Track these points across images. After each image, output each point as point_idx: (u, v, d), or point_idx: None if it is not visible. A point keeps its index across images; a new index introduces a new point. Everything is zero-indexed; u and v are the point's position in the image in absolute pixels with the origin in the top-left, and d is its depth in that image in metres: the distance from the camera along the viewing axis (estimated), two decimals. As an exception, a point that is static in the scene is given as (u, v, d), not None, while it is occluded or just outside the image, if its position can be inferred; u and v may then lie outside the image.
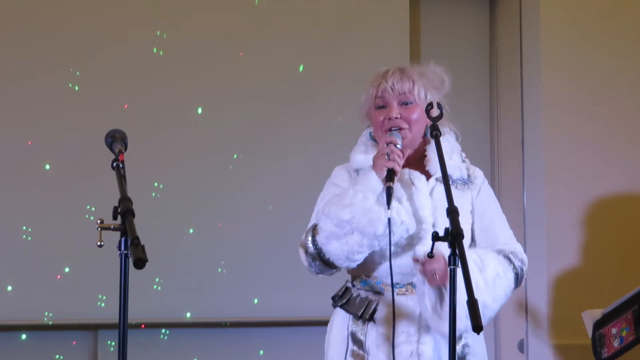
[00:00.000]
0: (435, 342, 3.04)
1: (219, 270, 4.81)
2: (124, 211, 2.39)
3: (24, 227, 4.60)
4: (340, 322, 3.20)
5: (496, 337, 5.49)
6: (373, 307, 3.11)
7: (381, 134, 3.14)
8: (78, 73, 4.70)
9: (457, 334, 2.76)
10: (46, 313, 4.63)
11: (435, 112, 2.97)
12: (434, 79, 3.21)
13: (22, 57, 4.65)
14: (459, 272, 2.58)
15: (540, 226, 5.15)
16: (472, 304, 2.40)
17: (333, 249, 3.02)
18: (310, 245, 3.08)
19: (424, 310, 3.00)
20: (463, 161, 3.23)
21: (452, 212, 2.65)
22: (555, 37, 5.21)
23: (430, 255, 2.77)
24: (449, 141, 3.19)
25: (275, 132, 4.92)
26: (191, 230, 4.81)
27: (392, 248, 2.98)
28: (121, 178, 2.55)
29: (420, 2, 5.46)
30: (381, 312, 3.09)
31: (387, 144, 3.03)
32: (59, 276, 4.64)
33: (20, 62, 4.64)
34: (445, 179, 2.82)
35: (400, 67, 3.23)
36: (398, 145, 3.03)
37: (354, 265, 3.07)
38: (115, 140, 2.73)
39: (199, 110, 4.86)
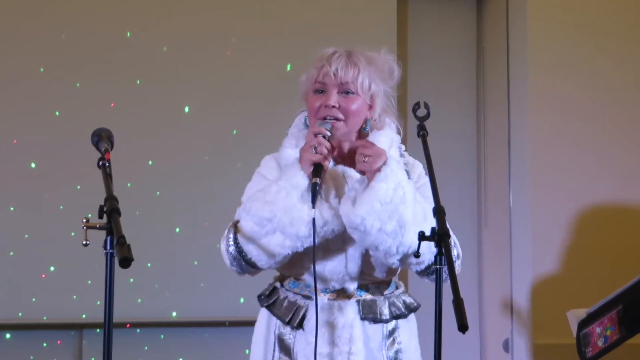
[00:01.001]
0: (367, 352, 2.92)
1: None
2: (110, 210, 2.38)
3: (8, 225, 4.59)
4: (266, 323, 3.05)
5: (481, 336, 5.50)
6: (302, 313, 2.94)
7: (313, 122, 2.96)
8: (64, 72, 4.69)
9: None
10: (31, 312, 4.61)
11: (422, 111, 2.93)
12: (383, 68, 3.04)
13: (5, 56, 4.64)
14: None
15: (525, 226, 5.16)
16: (458, 303, 2.38)
17: (253, 249, 2.84)
18: (232, 243, 2.90)
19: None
20: (401, 155, 3.01)
21: (439, 212, 2.60)
22: (542, 37, 5.22)
23: (417, 255, 2.72)
24: (387, 135, 2.99)
25: (262, 131, 4.91)
26: (177, 230, 4.81)
27: (319, 251, 2.84)
28: (107, 177, 2.54)
29: (408, 2, 5.46)
30: (311, 320, 2.90)
31: (315, 135, 2.86)
32: (44, 275, 4.63)
33: (4, 60, 4.63)
34: (432, 178, 2.71)
35: (348, 50, 3.04)
36: (328, 134, 2.87)
37: (278, 265, 2.92)
38: (102, 139, 2.72)
39: (186, 109, 4.85)
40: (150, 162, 4.78)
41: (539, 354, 5.05)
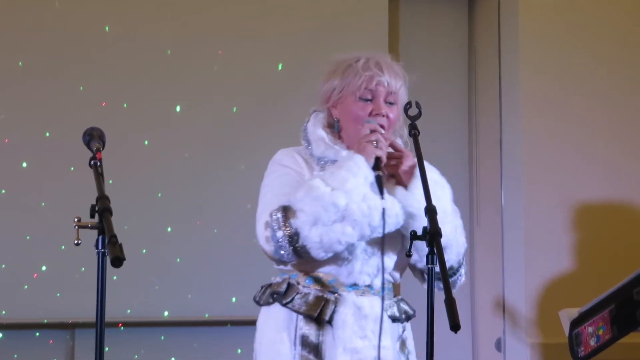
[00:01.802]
0: (392, 347, 2.93)
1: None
2: (102, 209, 2.37)
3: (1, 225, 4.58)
4: (283, 322, 2.97)
5: (474, 335, 5.51)
6: (332, 308, 2.90)
7: (353, 127, 2.99)
8: (56, 71, 4.68)
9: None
10: (23, 312, 4.61)
11: (413, 111, 2.93)
12: (406, 79, 3.10)
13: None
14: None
15: (518, 226, 5.16)
16: (450, 302, 2.38)
17: (315, 236, 2.77)
18: (282, 228, 2.82)
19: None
20: None
21: (431, 212, 2.61)
22: (533, 37, 5.23)
23: (409, 254, 2.74)
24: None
25: (253, 131, 4.92)
26: (169, 229, 4.80)
27: (363, 245, 2.88)
28: (99, 176, 2.54)
29: (400, 2, 5.46)
30: (341, 314, 2.87)
31: (372, 131, 2.89)
32: (35, 274, 4.62)
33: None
34: (424, 178, 2.73)
35: (386, 60, 3.06)
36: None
37: (327, 257, 2.83)
38: (93, 138, 2.71)
39: (178, 109, 4.85)
40: (141, 161, 4.76)
41: (532, 353, 5.06)
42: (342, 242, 2.79)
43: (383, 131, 2.92)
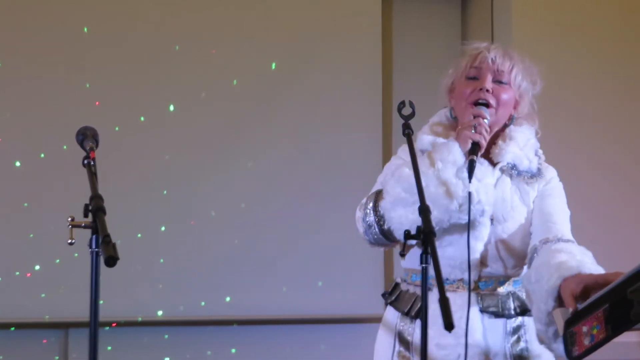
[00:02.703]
0: (487, 345, 2.88)
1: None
2: (95, 209, 2.37)
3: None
4: (389, 320, 3.02)
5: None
6: (419, 304, 2.86)
7: (465, 106, 2.94)
8: (49, 69, 4.68)
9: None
10: (16, 311, 4.60)
11: (407, 110, 2.92)
12: (532, 73, 3.05)
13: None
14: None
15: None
16: (444, 302, 2.37)
17: (396, 217, 2.77)
18: (371, 210, 2.85)
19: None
20: (537, 155, 3.04)
21: (424, 211, 2.58)
22: (526, 37, 5.23)
23: (402, 254, 2.73)
24: (524, 132, 3.02)
25: (247, 130, 4.91)
26: (163, 228, 4.79)
27: (445, 235, 2.83)
28: (92, 175, 2.53)
29: (393, 2, 5.46)
30: (430, 309, 2.71)
31: (475, 117, 2.87)
32: (29, 274, 4.61)
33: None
34: (417, 177, 2.67)
35: (503, 46, 3.03)
36: (486, 120, 2.87)
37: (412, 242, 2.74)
38: (87, 137, 2.70)
39: (171, 108, 4.84)
40: (135, 161, 4.76)
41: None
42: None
43: (487, 117, 2.88)
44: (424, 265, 2.56)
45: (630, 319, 2.23)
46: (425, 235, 2.52)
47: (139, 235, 4.70)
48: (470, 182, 2.76)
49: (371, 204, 2.87)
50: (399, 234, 2.77)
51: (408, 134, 2.87)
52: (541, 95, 3.39)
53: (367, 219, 2.87)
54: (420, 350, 2.63)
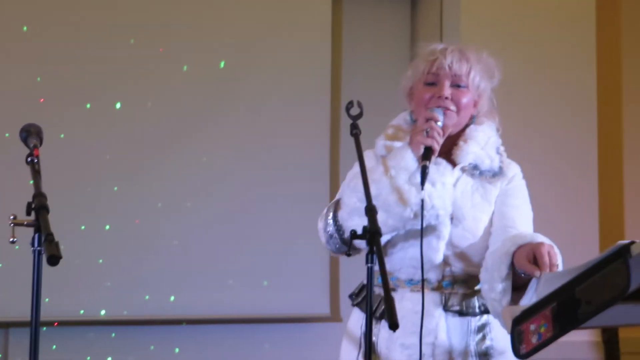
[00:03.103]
0: (451, 345, 2.89)
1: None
2: (38, 207, 2.34)
3: None
4: (355, 322, 3.02)
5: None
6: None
7: (422, 112, 2.94)
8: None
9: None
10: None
11: (355, 110, 2.92)
12: (489, 68, 3.07)
13: None
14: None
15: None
16: (389, 301, 2.38)
17: (353, 226, 2.70)
18: (330, 220, 2.87)
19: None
20: (498, 153, 3.07)
21: (370, 211, 2.59)
22: (474, 39, 5.25)
23: (348, 253, 2.74)
24: (484, 131, 3.05)
25: (194, 128, 4.89)
26: (107, 227, 4.75)
27: (408, 238, 2.85)
28: (36, 173, 2.50)
29: (343, 1, 5.47)
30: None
31: (427, 120, 2.87)
32: (-29, 273, 4.55)
33: None
34: (364, 177, 2.69)
35: (459, 46, 3.02)
36: (439, 123, 2.86)
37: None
38: (30, 134, 2.67)
39: (117, 106, 4.80)
40: (79, 159, 4.71)
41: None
42: (380, 232, 2.69)
43: (440, 120, 2.88)
44: (369, 265, 2.55)
45: (578, 317, 2.25)
46: (371, 235, 2.53)
47: (83, 232, 4.65)
48: (423, 188, 2.77)
49: (331, 215, 2.89)
50: (358, 244, 2.78)
51: (356, 134, 2.87)
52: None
53: (328, 229, 2.89)
54: (380, 351, 2.75)
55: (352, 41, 5.48)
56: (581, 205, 5.38)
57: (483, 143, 3.01)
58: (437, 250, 2.89)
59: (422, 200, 2.77)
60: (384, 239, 2.83)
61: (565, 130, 5.40)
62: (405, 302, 2.89)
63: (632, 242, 2.16)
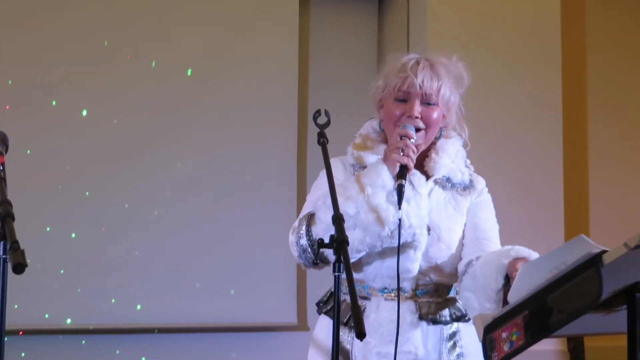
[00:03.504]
0: (426, 353, 2.90)
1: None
2: (4, 214, 2.31)
3: None
4: (326, 330, 2.98)
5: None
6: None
7: (392, 128, 2.94)
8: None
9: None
10: None
11: (322, 119, 2.91)
12: (457, 76, 3.07)
13: None
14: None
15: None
16: (355, 311, 2.38)
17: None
18: (304, 235, 2.84)
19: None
20: (466, 166, 3.08)
21: (338, 220, 2.59)
22: (441, 44, 5.29)
23: (315, 262, 2.73)
24: (454, 144, 3.06)
25: (161, 137, 4.87)
26: (73, 235, 4.72)
27: (382, 249, 2.83)
28: (1, 180, 2.48)
29: (310, 4, 5.47)
30: (369, 319, 2.89)
31: (401, 137, 2.86)
32: None
33: None
34: (332, 186, 2.68)
35: (429, 59, 3.01)
36: (412, 140, 2.86)
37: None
38: (-5, 141, 2.65)
39: (84, 113, 4.76)
40: (46, 166, 4.68)
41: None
42: (354, 250, 2.78)
43: (414, 137, 2.88)
44: (336, 273, 2.54)
45: (550, 326, 2.26)
46: (338, 244, 2.53)
47: (49, 240, 4.62)
48: (400, 208, 2.77)
49: (304, 228, 2.86)
50: (332, 259, 2.71)
51: (323, 142, 2.86)
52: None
53: (301, 242, 2.86)
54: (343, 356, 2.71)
55: (320, 48, 5.49)
56: (547, 212, 5.42)
57: (453, 156, 3.03)
58: (415, 260, 2.90)
59: (400, 220, 2.77)
60: (359, 255, 2.84)
61: (531, 137, 5.44)
62: (382, 311, 2.90)
63: (604, 251, 2.17)
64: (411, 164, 2.83)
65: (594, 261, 2.16)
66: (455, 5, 5.39)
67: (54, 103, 4.71)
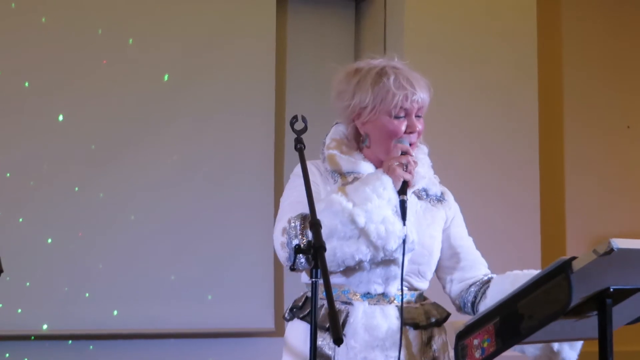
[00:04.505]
0: (410, 358, 2.89)
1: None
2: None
3: None
4: (303, 337, 2.88)
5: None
6: (343, 317, 2.86)
7: (389, 142, 2.92)
8: None
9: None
10: None
11: (299, 124, 2.91)
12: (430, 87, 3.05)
13: None
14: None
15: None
16: (333, 315, 2.38)
17: (330, 248, 2.71)
18: (299, 237, 2.77)
19: None
20: (435, 177, 3.09)
21: (315, 225, 2.60)
22: (417, 45, 5.31)
23: (292, 268, 2.74)
24: (424, 153, 3.07)
25: (138, 141, 4.86)
26: (49, 240, 4.70)
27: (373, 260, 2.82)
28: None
29: (287, 6, 5.48)
30: (351, 325, 2.86)
31: (402, 153, 2.87)
32: None
33: None
34: (309, 192, 2.67)
35: (412, 73, 2.99)
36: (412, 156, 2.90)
37: (339, 270, 2.82)
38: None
39: (60, 118, 4.75)
40: (21, 171, 4.66)
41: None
42: (355, 258, 2.77)
43: (412, 152, 2.91)
44: (314, 279, 2.55)
45: (520, 332, 2.28)
46: (316, 250, 2.52)
47: (24, 245, 4.60)
48: (404, 224, 2.78)
49: (299, 230, 2.80)
50: (331, 265, 2.77)
51: (300, 148, 2.86)
52: (431, 100, 3.45)
53: (293, 245, 2.79)
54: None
55: (297, 51, 5.50)
56: (523, 218, 5.43)
57: (427, 166, 3.04)
58: (401, 266, 2.89)
59: (405, 235, 2.78)
60: (354, 263, 2.81)
61: (507, 143, 5.46)
62: (367, 316, 2.89)
63: (574, 258, 2.19)
64: (412, 180, 2.87)
65: (563, 268, 2.19)
66: (432, 9, 5.41)
67: (29, 108, 4.70)
